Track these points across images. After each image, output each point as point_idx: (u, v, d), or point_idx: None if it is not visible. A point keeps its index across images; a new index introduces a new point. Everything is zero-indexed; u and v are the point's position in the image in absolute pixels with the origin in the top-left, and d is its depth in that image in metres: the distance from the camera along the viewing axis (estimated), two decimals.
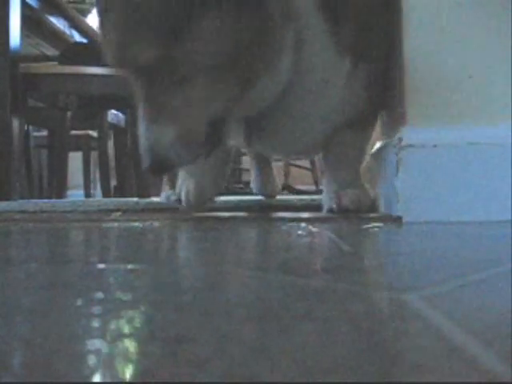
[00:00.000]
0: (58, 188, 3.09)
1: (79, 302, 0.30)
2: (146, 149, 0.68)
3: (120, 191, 3.77)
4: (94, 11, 3.57)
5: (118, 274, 0.39)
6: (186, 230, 0.73)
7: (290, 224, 0.73)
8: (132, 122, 2.57)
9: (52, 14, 2.65)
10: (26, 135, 3.58)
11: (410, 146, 0.72)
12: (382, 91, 0.87)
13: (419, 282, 0.33)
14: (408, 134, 0.73)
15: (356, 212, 0.87)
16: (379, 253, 0.52)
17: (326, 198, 0.91)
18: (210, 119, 0.67)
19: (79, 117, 3.10)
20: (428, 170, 0.72)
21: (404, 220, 0.72)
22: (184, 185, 0.94)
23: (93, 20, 3.41)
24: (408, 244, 0.57)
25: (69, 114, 2.94)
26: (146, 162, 0.67)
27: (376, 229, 0.69)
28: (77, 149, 4.02)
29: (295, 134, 0.82)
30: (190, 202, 0.91)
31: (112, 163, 3.58)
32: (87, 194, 4.42)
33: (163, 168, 0.68)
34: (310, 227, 0.70)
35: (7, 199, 2.19)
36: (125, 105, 2.99)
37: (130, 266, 0.42)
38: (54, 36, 2.82)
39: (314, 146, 0.91)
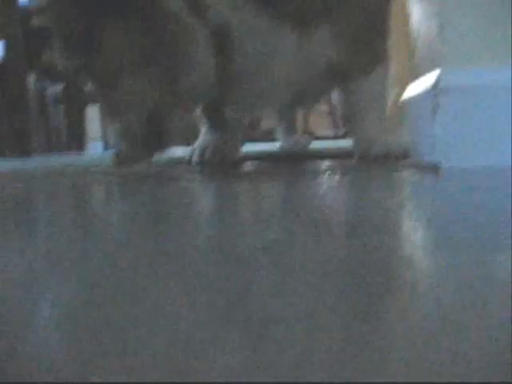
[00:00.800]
0: (77, 141, 3.07)
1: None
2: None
3: None
4: None
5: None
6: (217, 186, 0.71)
7: (323, 175, 0.71)
8: None
9: None
10: (42, 89, 3.56)
11: (448, 88, 0.68)
12: (374, 40, 0.89)
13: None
14: (445, 75, 0.69)
15: (386, 159, 0.86)
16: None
17: (356, 145, 0.92)
18: (147, 115, 0.73)
19: None
20: (467, 114, 0.68)
21: (442, 167, 0.69)
22: (199, 143, 0.94)
23: None
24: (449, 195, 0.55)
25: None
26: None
27: (416, 178, 0.67)
28: (95, 101, 3.99)
29: (262, 94, 0.84)
30: (205, 160, 0.91)
31: None
32: (106, 146, 4.41)
33: (122, 161, 0.75)
34: (345, 178, 0.67)
35: (27, 156, 2.19)
36: None
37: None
38: None
39: (303, 95, 0.93)
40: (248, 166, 0.88)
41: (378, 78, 0.94)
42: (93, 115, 4.18)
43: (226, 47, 0.72)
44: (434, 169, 0.70)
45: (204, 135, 0.95)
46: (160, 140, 0.76)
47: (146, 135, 0.75)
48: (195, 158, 0.93)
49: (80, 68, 0.72)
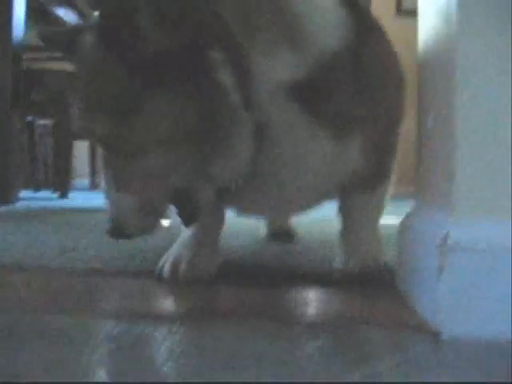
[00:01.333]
0: (62, 179, 2.98)
1: None
2: (108, 213, 0.70)
3: None
4: None
5: None
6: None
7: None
8: None
9: (60, 6, 2.52)
10: (30, 124, 3.48)
11: (459, 246, 0.60)
12: (387, 156, 0.86)
13: None
14: (456, 230, 0.61)
15: (364, 277, 0.83)
16: None
17: (337, 260, 0.87)
18: (172, 190, 0.68)
19: None
20: (480, 278, 0.59)
21: (443, 337, 0.60)
22: (173, 255, 0.83)
23: None
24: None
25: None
26: (107, 226, 0.69)
27: (410, 343, 0.58)
28: (83, 138, 3.91)
29: (280, 198, 0.78)
30: (178, 276, 0.81)
31: None
32: (93, 184, 4.33)
33: (122, 234, 0.69)
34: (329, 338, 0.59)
35: (6, 203, 2.09)
36: None
37: None
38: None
39: (307, 205, 0.88)
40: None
41: (379, 193, 0.89)
42: (80, 152, 4.11)
43: (261, 143, 0.68)
44: (434, 336, 0.61)
45: (179, 245, 0.85)
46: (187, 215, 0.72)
47: (162, 208, 0.70)
48: (167, 274, 0.81)
49: (107, 131, 0.64)
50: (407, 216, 0.80)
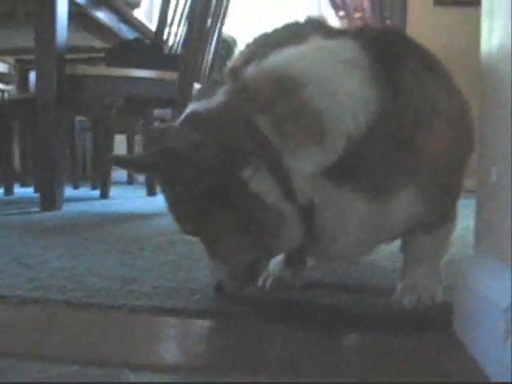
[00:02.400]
0: (103, 178, 3.03)
1: None
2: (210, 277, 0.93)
3: None
4: (143, 4, 3.44)
5: None
6: None
7: None
8: (178, 114, 2.47)
9: (100, 9, 2.55)
10: (70, 119, 3.53)
11: None
12: (447, 198, 0.88)
13: None
14: None
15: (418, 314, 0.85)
16: None
17: (394, 296, 0.91)
18: (249, 260, 0.86)
19: (124, 111, 3.01)
20: None
21: None
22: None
23: (141, 13, 3.29)
24: None
25: (114, 109, 2.86)
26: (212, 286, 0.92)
27: None
28: (121, 132, 3.95)
29: (339, 252, 0.89)
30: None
31: None
32: (130, 177, 4.39)
33: (222, 291, 0.90)
34: None
35: (52, 209, 2.14)
36: (170, 104, 2.90)
37: None
38: (102, 30, 2.72)
39: (371, 249, 0.93)
40: None
41: (442, 233, 0.92)
42: (120, 144, 4.16)
43: (311, 217, 0.81)
44: None
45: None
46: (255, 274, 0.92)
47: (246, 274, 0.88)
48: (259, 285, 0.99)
49: (194, 230, 0.87)
50: (470, 262, 0.80)
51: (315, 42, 0.82)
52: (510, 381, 0.61)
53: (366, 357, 0.73)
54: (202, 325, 0.83)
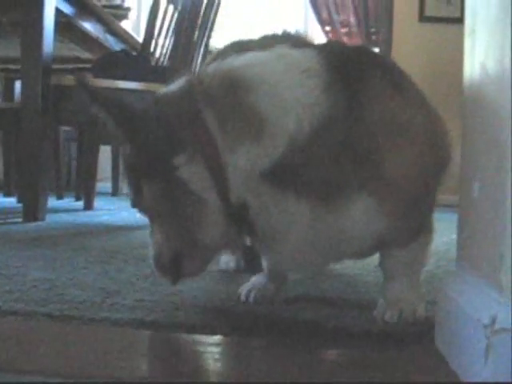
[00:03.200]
0: (87, 189, 3.01)
1: None
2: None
3: None
4: (130, 16, 3.45)
5: None
6: None
7: None
8: None
9: (87, 20, 2.55)
10: (55, 129, 3.51)
11: (507, 328, 0.60)
12: (419, 212, 0.88)
13: None
14: (504, 311, 0.62)
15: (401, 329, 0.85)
16: None
17: (376, 311, 0.92)
18: (173, 249, 0.87)
19: None
20: None
21: None
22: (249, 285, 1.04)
23: (128, 25, 3.29)
24: None
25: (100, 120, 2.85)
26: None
27: None
28: (106, 142, 3.93)
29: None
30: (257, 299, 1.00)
31: None
32: (115, 188, 4.36)
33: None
34: None
35: (35, 220, 2.13)
36: None
37: None
38: (89, 41, 2.72)
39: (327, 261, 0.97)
40: None
41: (418, 247, 0.91)
42: (105, 155, 4.14)
43: (244, 217, 0.81)
44: None
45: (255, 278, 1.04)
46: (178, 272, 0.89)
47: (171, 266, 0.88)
48: (242, 299, 1.00)
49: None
50: (452, 277, 0.81)
51: (278, 51, 0.84)
52: None
53: (346, 371, 0.73)
54: (185, 339, 0.82)
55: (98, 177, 4.01)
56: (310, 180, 0.77)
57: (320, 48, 0.86)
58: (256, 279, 1.04)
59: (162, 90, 0.87)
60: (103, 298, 0.97)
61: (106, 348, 0.77)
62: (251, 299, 0.99)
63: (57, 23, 2.23)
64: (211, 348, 0.80)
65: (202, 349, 0.80)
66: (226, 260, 1.32)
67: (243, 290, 1.02)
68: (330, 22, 4.64)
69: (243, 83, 0.79)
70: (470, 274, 0.74)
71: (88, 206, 2.85)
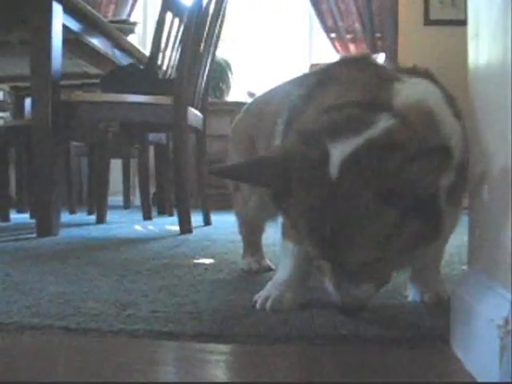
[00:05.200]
0: (99, 204, 3.03)
1: None
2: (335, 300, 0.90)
3: (159, 198, 3.73)
4: (137, 30, 3.48)
5: None
6: None
7: None
8: (174, 142, 2.48)
9: (94, 36, 2.58)
10: (65, 145, 3.54)
11: None
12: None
13: None
14: None
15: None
16: None
17: (412, 295, 1.07)
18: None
19: (119, 136, 3.03)
20: None
21: None
22: (265, 291, 1.05)
23: (135, 39, 3.32)
24: None
25: (109, 134, 2.88)
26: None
27: None
28: (116, 156, 3.96)
29: None
30: (277, 306, 1.01)
31: (151, 170, 3.52)
32: (126, 201, 4.39)
33: (352, 312, 0.91)
34: None
35: (48, 235, 2.15)
36: (165, 128, 2.92)
37: None
38: (97, 57, 2.75)
39: None
40: None
41: (443, 240, 1.00)
42: (116, 169, 4.18)
43: None
44: None
45: (271, 285, 1.06)
46: None
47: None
48: (258, 306, 1.02)
49: None
50: (464, 279, 0.81)
51: (418, 80, 0.92)
52: None
53: (363, 376, 0.73)
54: (201, 348, 0.83)
55: (110, 191, 4.05)
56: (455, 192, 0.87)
57: (428, 78, 0.94)
58: (272, 287, 1.05)
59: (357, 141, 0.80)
60: (119, 310, 0.98)
61: (124, 359, 0.78)
62: (268, 307, 1.00)
63: (64, 40, 2.27)
64: (227, 357, 0.80)
65: (218, 357, 0.81)
66: (249, 261, 1.42)
67: (259, 297, 1.03)
68: (336, 29, 4.65)
69: (437, 119, 0.84)
70: (482, 275, 0.75)
71: (100, 220, 2.88)
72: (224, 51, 4.73)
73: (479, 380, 0.68)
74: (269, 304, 1.00)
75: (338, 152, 0.78)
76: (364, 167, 0.77)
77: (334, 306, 0.88)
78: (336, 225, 0.79)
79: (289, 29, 5.10)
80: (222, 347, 0.83)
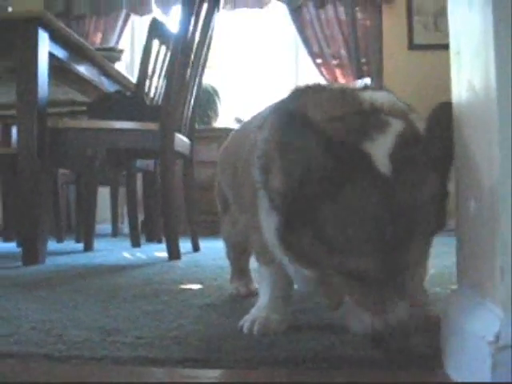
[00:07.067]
0: (87, 231, 3.00)
1: None
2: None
3: (147, 225, 3.70)
4: (124, 57, 3.50)
5: None
6: None
7: None
8: (161, 168, 2.46)
9: (81, 63, 2.58)
10: (52, 172, 3.52)
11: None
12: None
13: None
14: (508, 328, 0.61)
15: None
16: None
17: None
18: None
19: (107, 163, 3.01)
20: None
21: None
22: (251, 316, 1.03)
23: (122, 66, 3.33)
24: None
25: (96, 161, 2.86)
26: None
27: None
28: (104, 184, 3.93)
29: None
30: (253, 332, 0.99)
31: (139, 198, 3.50)
32: (114, 229, 4.35)
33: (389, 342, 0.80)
34: None
35: (35, 263, 2.12)
36: (153, 156, 2.91)
37: None
38: (84, 84, 2.75)
39: None
40: None
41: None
42: (104, 197, 4.15)
43: None
44: None
45: (256, 309, 1.04)
46: None
47: None
48: (245, 330, 0.99)
49: None
50: (454, 298, 0.80)
51: (372, 90, 0.93)
52: None
53: None
54: (187, 374, 0.81)
55: (98, 219, 4.02)
56: None
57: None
58: (257, 310, 1.03)
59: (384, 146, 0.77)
60: (103, 337, 0.95)
61: None
62: (255, 331, 0.98)
63: (51, 67, 2.26)
64: (214, 382, 0.78)
65: (202, 382, 0.79)
66: (236, 285, 1.40)
67: (245, 322, 1.01)
68: (321, 55, 4.70)
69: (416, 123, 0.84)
70: (471, 292, 0.74)
71: (88, 248, 2.84)
72: (211, 78, 4.76)
73: None
74: (256, 327, 0.99)
75: (377, 150, 0.74)
76: (412, 157, 0.75)
77: (364, 335, 0.79)
78: (403, 223, 0.72)
79: (275, 55, 5.15)
80: (209, 372, 0.81)
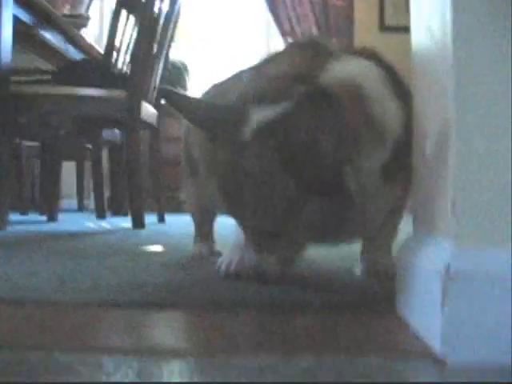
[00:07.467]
0: (50, 202, 2.96)
1: None
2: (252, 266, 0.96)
3: (114, 202, 3.66)
4: (93, 29, 3.44)
5: None
6: None
7: None
8: (128, 138, 2.44)
9: (47, 29, 2.53)
10: (17, 146, 3.46)
11: (461, 275, 0.61)
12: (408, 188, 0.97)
13: None
14: (458, 259, 0.62)
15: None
16: None
17: (360, 268, 1.09)
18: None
19: (72, 133, 2.97)
20: (483, 306, 0.60)
21: (448, 363, 0.61)
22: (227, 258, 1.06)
23: (88, 34, 3.27)
24: None
25: (62, 131, 2.82)
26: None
27: (415, 371, 0.59)
28: (70, 158, 3.88)
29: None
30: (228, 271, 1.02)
31: (105, 174, 3.46)
32: (80, 203, 4.30)
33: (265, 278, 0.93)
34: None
35: None
36: (119, 126, 2.88)
37: None
38: (49, 51, 2.69)
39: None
40: None
41: (397, 218, 1.07)
42: (67, 172, 4.09)
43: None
44: (439, 362, 0.61)
45: (230, 251, 1.07)
46: None
47: None
48: (222, 272, 1.03)
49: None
50: (407, 242, 0.81)
51: (356, 59, 0.95)
52: (447, 345, 0.61)
53: (314, 335, 0.72)
54: (146, 316, 0.81)
55: (63, 194, 3.96)
56: (396, 170, 0.91)
57: (367, 56, 0.97)
58: (231, 252, 1.06)
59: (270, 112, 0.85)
60: (60, 284, 0.95)
61: (66, 328, 0.75)
62: (232, 270, 1.02)
63: (16, 32, 2.21)
64: (174, 323, 0.78)
65: (165, 323, 0.78)
66: (199, 246, 1.41)
67: (222, 263, 1.04)
68: (292, 33, 4.70)
69: (367, 96, 0.87)
70: (425, 233, 0.75)
71: (51, 218, 2.80)
72: (181, 53, 4.72)
73: (421, 334, 0.68)
74: (232, 268, 1.02)
75: (256, 118, 0.84)
76: (270, 136, 0.82)
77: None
78: (241, 185, 0.83)
79: (246, 33, 5.12)
80: (168, 314, 0.81)
